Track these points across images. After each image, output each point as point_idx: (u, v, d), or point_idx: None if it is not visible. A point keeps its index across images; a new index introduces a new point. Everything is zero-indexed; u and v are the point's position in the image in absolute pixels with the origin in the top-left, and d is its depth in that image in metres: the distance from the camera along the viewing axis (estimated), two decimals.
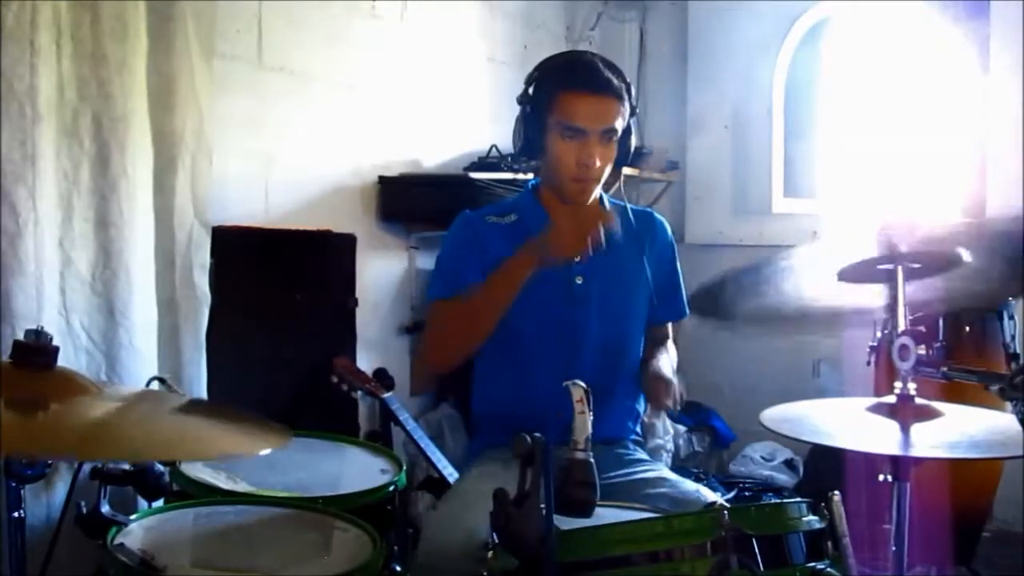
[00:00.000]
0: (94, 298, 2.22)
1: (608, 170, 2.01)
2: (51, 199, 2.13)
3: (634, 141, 2.04)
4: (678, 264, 2.18)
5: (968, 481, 2.63)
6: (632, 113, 2.01)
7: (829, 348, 3.70)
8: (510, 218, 2.09)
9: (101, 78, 2.20)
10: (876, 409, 1.53)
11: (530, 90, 2.00)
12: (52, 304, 2.13)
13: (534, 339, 2.01)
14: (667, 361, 2.09)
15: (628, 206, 2.10)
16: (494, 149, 3.49)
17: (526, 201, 2.12)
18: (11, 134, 2.04)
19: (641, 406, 2.15)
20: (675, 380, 1.97)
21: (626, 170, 2.11)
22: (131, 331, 2.25)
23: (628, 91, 1.99)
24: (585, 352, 2.02)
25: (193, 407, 1.62)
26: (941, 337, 1.51)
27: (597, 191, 2.05)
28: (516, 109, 2.04)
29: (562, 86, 1.96)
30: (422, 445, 2.55)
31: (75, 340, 2.18)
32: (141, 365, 2.27)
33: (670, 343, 2.20)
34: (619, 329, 2.07)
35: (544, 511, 1.23)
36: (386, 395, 2.65)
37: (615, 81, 1.97)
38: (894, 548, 1.51)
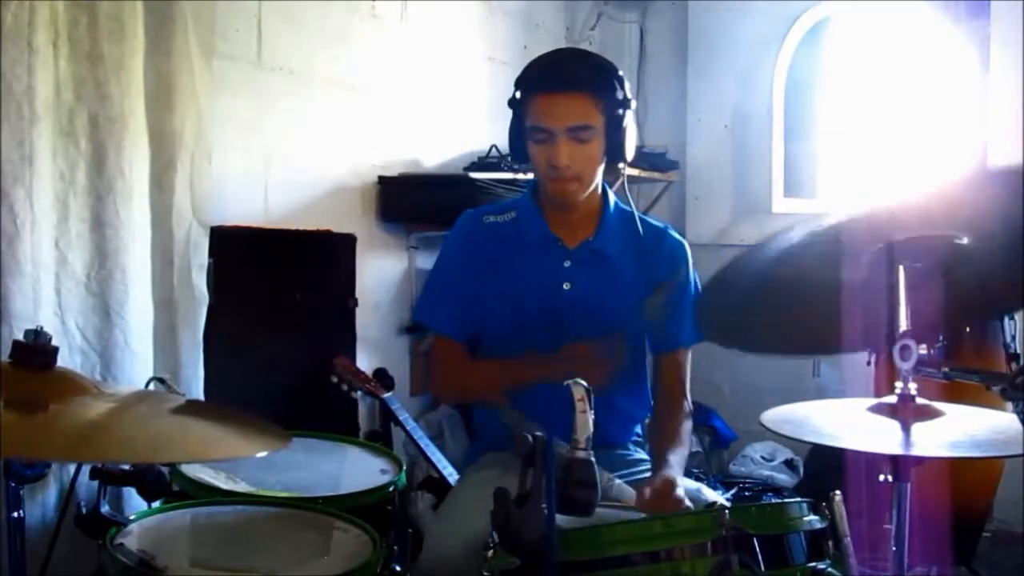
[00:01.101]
0: (89, 298, 2.21)
1: (594, 170, 1.96)
2: (47, 199, 2.12)
3: (630, 134, 1.95)
4: (694, 286, 2.07)
5: (968, 481, 2.63)
6: (623, 105, 1.93)
7: None
8: (509, 215, 2.10)
9: (98, 78, 2.19)
10: (877, 409, 1.52)
11: (517, 94, 1.98)
12: (48, 304, 2.12)
13: (528, 343, 2.00)
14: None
15: (638, 215, 2.07)
16: (494, 149, 3.49)
17: (525, 200, 2.11)
18: (10, 135, 2.04)
19: (642, 411, 2.14)
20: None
21: (628, 170, 2.07)
22: (127, 331, 2.25)
23: (608, 84, 1.91)
24: None
25: (192, 408, 1.62)
26: (942, 337, 1.50)
27: (588, 190, 1.99)
28: None
29: (532, 89, 1.93)
30: (422, 445, 2.55)
31: (70, 340, 2.17)
32: (137, 366, 2.26)
33: (687, 421, 2.09)
34: (612, 334, 2.01)
35: (546, 511, 1.22)
36: (386, 395, 2.65)
37: (583, 75, 1.90)
38: (894, 548, 1.50)
